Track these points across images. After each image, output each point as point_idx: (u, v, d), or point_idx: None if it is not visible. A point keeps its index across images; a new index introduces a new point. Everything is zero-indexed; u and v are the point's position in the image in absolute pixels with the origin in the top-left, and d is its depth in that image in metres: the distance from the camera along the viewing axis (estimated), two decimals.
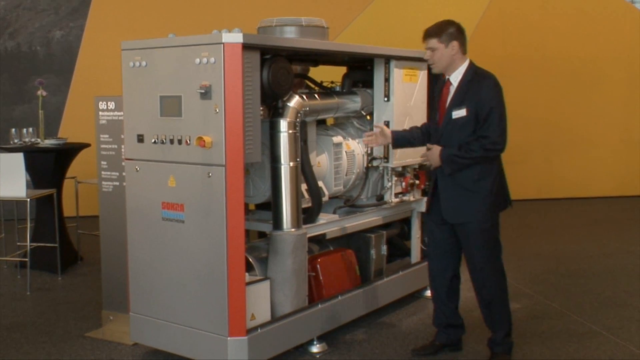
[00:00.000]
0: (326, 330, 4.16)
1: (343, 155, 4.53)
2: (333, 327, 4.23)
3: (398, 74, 4.60)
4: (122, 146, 4.15)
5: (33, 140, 5.90)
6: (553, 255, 6.51)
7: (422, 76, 4.86)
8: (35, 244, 5.78)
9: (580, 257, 6.44)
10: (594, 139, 9.71)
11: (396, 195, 4.71)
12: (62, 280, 5.66)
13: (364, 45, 4.51)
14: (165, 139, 3.68)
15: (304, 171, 4.08)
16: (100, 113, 4.35)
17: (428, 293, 5.06)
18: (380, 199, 4.72)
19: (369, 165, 4.69)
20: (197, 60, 3.48)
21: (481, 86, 3.71)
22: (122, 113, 3.97)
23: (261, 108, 3.67)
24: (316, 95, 4.30)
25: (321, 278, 4.19)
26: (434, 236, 3.98)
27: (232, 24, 3.94)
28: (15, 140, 5.87)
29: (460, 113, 3.72)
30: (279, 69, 3.77)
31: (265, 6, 8.24)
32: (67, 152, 5.95)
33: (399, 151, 4.64)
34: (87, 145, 6.07)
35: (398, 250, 5.15)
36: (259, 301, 3.78)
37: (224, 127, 3.44)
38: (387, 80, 4.59)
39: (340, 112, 4.56)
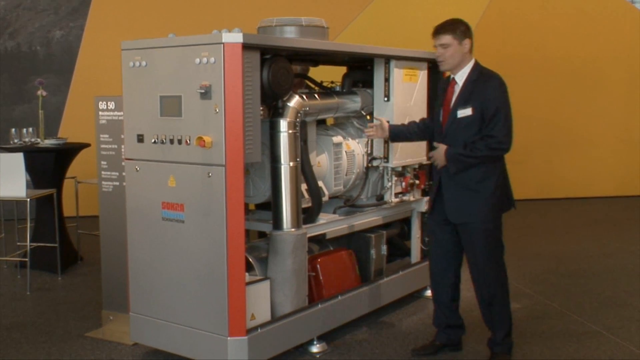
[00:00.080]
0: (326, 330, 4.16)
1: (343, 155, 4.54)
2: (333, 327, 4.23)
3: (398, 73, 4.60)
4: (122, 146, 4.15)
5: (33, 140, 5.90)
6: (553, 255, 6.51)
7: (422, 76, 4.86)
8: (35, 244, 5.78)
9: (580, 257, 6.44)
10: (594, 138, 9.71)
11: (396, 195, 4.71)
12: (62, 280, 5.66)
13: (364, 45, 4.51)
14: (165, 139, 3.68)
15: (304, 171, 4.08)
16: (100, 113, 4.35)
17: (428, 293, 5.06)
18: (380, 199, 4.72)
19: (369, 165, 4.69)
20: (197, 60, 3.48)
21: (487, 86, 3.72)
22: (122, 113, 3.97)
23: (261, 108, 3.67)
24: (316, 95, 4.30)
25: (321, 278, 4.19)
26: (436, 236, 3.98)
27: (232, 24, 3.94)
28: (15, 140, 5.87)
29: (465, 112, 3.72)
30: (279, 69, 3.77)
31: (265, 6, 8.24)
32: (67, 152, 5.95)
33: (398, 151, 4.65)
34: (87, 145, 6.07)
35: (398, 250, 5.15)
36: (259, 301, 3.78)
37: (224, 127, 3.44)
38: (387, 80, 4.59)
39: (340, 112, 4.56)
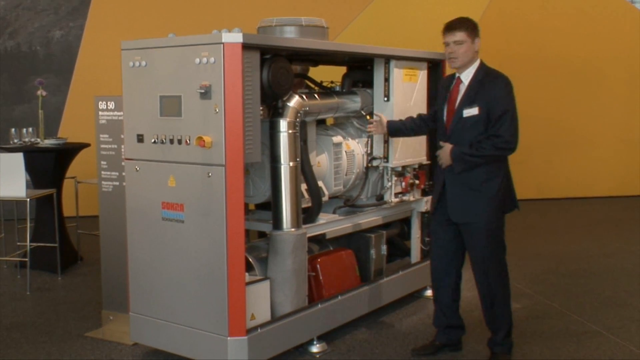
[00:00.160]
0: (326, 330, 4.16)
1: (343, 155, 4.53)
2: (333, 327, 4.23)
3: (398, 73, 4.60)
4: (122, 146, 4.15)
5: (33, 140, 5.90)
6: (553, 255, 6.51)
7: (421, 76, 4.86)
8: (35, 244, 5.78)
9: (580, 257, 6.44)
10: (594, 138, 9.70)
11: (396, 195, 4.71)
12: (62, 280, 5.66)
13: (363, 45, 4.51)
14: (165, 139, 3.68)
15: (304, 171, 4.08)
16: (100, 113, 4.35)
17: (428, 293, 5.06)
18: (380, 198, 4.72)
19: (369, 165, 4.69)
20: (197, 60, 3.48)
21: (494, 85, 3.72)
22: (122, 113, 3.97)
23: (261, 108, 3.67)
24: (316, 95, 4.30)
25: (321, 278, 4.19)
26: (438, 236, 3.97)
27: (232, 24, 3.94)
28: (15, 140, 5.87)
29: (472, 112, 3.71)
30: (278, 69, 3.77)
31: (265, 6, 8.24)
32: (67, 152, 5.95)
33: (398, 151, 4.65)
34: (87, 145, 6.07)
35: (398, 250, 5.15)
36: (259, 301, 3.77)
37: (224, 127, 3.44)
38: (387, 80, 4.59)
39: (340, 112, 4.56)
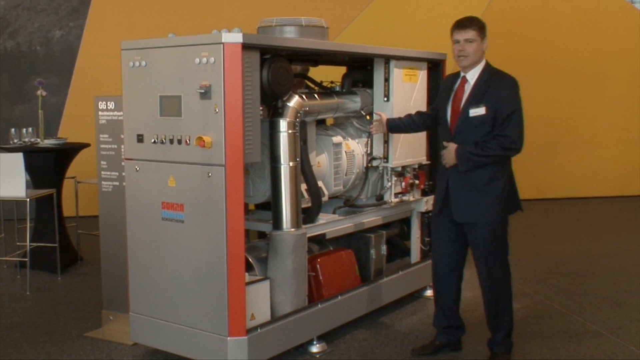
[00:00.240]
0: (326, 330, 4.16)
1: (343, 155, 4.53)
2: (333, 327, 4.23)
3: (398, 73, 4.60)
4: (122, 146, 4.15)
5: (33, 140, 5.90)
6: (553, 255, 6.51)
7: (421, 76, 4.86)
8: (35, 244, 5.78)
9: (580, 257, 6.44)
10: (594, 139, 9.70)
11: (396, 195, 4.71)
12: (62, 280, 5.66)
13: (363, 45, 4.51)
14: (165, 139, 3.68)
15: (304, 171, 4.08)
16: (100, 113, 4.35)
17: (428, 293, 5.06)
18: (380, 199, 4.72)
19: (369, 165, 4.69)
20: (197, 60, 3.48)
21: (502, 85, 3.72)
22: (121, 113, 3.97)
23: (261, 108, 3.67)
24: (316, 95, 4.30)
25: (321, 278, 4.19)
26: (441, 237, 3.95)
27: (232, 24, 3.94)
28: (15, 140, 5.87)
29: (478, 111, 3.70)
30: (278, 69, 3.77)
31: (265, 6, 8.24)
32: (67, 152, 5.95)
33: (398, 151, 4.65)
34: (86, 145, 6.07)
35: (398, 250, 5.15)
36: (259, 301, 3.77)
37: (224, 127, 3.44)
38: (386, 80, 4.59)
39: (340, 112, 4.56)
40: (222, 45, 3.40)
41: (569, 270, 5.96)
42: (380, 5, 9.03)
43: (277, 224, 3.93)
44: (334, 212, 4.51)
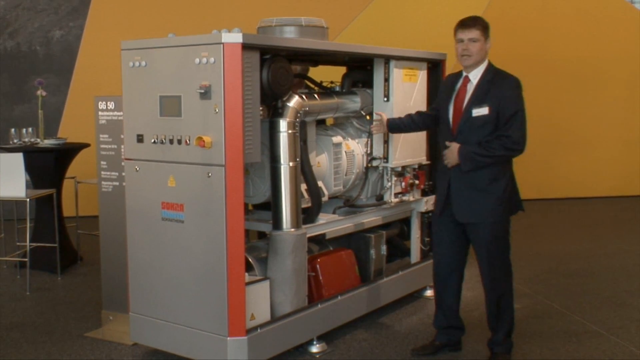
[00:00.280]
0: (326, 330, 4.16)
1: (343, 155, 4.53)
2: (333, 327, 4.23)
3: (398, 74, 4.60)
4: (122, 146, 4.15)
5: (33, 140, 5.90)
6: (553, 255, 6.51)
7: (421, 76, 4.86)
8: (34, 244, 5.78)
9: (580, 257, 6.44)
10: (594, 138, 9.70)
11: (396, 195, 4.71)
12: (62, 280, 5.66)
13: (363, 45, 4.51)
14: (165, 139, 3.68)
15: (304, 171, 4.08)
16: (100, 113, 4.34)
17: (428, 293, 5.07)
18: (379, 199, 4.71)
19: (369, 165, 4.69)
20: (197, 60, 3.48)
21: (505, 85, 3.71)
22: (121, 113, 3.97)
23: (261, 108, 3.67)
24: (316, 95, 4.30)
25: (321, 278, 4.19)
26: (443, 238, 3.94)
27: (232, 24, 3.94)
28: (15, 140, 5.87)
29: (481, 111, 3.69)
30: (278, 69, 3.77)
31: (265, 6, 8.24)
32: (67, 152, 5.95)
33: (398, 151, 4.65)
34: (86, 145, 6.07)
35: (398, 250, 5.15)
36: (259, 301, 3.77)
37: (224, 127, 3.44)
38: (386, 80, 4.59)
39: (340, 112, 4.56)
40: (222, 45, 3.40)
41: (569, 270, 5.96)
42: (380, 5, 9.03)
43: (277, 224, 3.93)
44: (334, 212, 4.51)
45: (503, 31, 9.12)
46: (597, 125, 9.69)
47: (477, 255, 3.85)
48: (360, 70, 4.89)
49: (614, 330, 4.46)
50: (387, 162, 4.64)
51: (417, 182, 4.83)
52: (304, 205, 4.12)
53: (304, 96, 4.10)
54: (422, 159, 4.91)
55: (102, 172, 4.36)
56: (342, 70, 5.01)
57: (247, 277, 3.71)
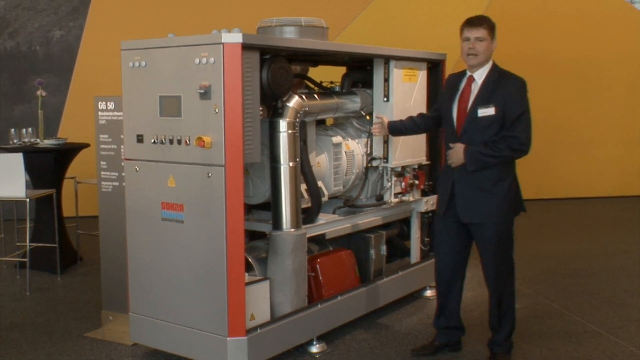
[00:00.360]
0: (326, 330, 4.16)
1: (342, 156, 4.53)
2: (333, 327, 4.23)
3: (397, 74, 4.60)
4: (122, 146, 4.15)
5: (32, 140, 5.90)
6: (553, 255, 6.51)
7: (421, 76, 4.86)
8: (34, 244, 5.78)
9: (580, 257, 6.44)
10: (594, 139, 9.70)
11: (396, 195, 4.71)
12: (62, 280, 5.66)
13: (363, 45, 4.51)
14: (164, 139, 3.68)
15: (304, 171, 4.08)
16: (100, 113, 4.34)
17: (428, 293, 5.07)
18: (379, 199, 4.71)
19: (369, 165, 4.69)
20: (197, 61, 3.48)
21: (511, 86, 3.70)
22: (121, 113, 3.97)
23: (261, 108, 3.67)
24: (316, 96, 4.30)
25: (321, 278, 4.19)
26: (446, 238, 3.92)
27: (232, 24, 3.94)
28: (15, 140, 5.87)
29: (487, 112, 3.67)
30: (278, 69, 3.77)
31: (265, 6, 8.24)
32: (67, 152, 5.95)
33: (398, 151, 4.65)
34: (86, 146, 6.07)
35: (398, 250, 5.14)
36: (259, 301, 3.77)
37: (224, 127, 3.44)
38: (386, 80, 4.59)
39: (340, 112, 4.56)
40: (222, 45, 3.40)
41: (569, 270, 5.96)
42: (380, 5, 9.03)
43: (276, 224, 3.93)
44: (333, 212, 4.51)
45: (503, 31, 9.05)
46: (597, 125, 9.69)
47: (481, 255, 3.85)
48: (360, 70, 4.89)
49: (614, 330, 4.46)
50: (387, 162, 4.64)
51: (417, 182, 4.83)
52: (303, 206, 4.12)
53: (303, 96, 4.10)
54: (422, 159, 4.91)
55: (102, 172, 4.36)
56: (342, 70, 5.01)
57: (247, 277, 3.71)
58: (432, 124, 4.21)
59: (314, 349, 4.07)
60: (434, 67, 5.04)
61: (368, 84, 4.72)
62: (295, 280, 3.90)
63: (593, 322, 4.61)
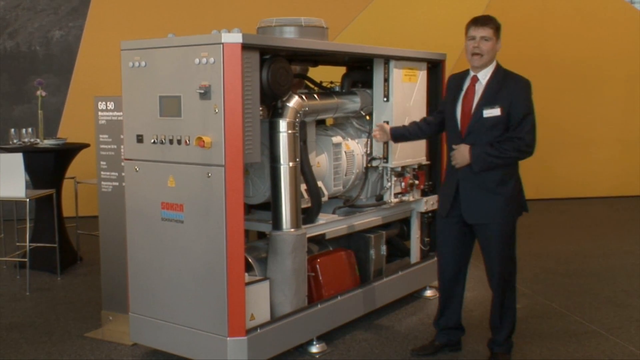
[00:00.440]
0: (326, 330, 4.16)
1: (342, 156, 4.53)
2: (333, 327, 4.23)
3: (397, 74, 4.60)
4: (122, 146, 4.15)
5: (32, 140, 5.90)
6: (553, 255, 6.51)
7: (421, 76, 4.86)
8: (34, 244, 5.77)
9: (580, 257, 6.44)
10: (593, 139, 9.70)
11: (395, 195, 4.71)
12: (62, 280, 5.66)
13: (363, 45, 4.51)
14: (164, 139, 3.68)
15: (304, 171, 4.08)
16: (100, 113, 4.34)
17: (427, 293, 5.07)
18: (379, 199, 4.71)
19: (369, 165, 4.68)
20: (197, 61, 3.48)
21: (516, 86, 3.69)
22: (121, 113, 3.97)
23: (260, 108, 3.67)
24: (315, 96, 4.30)
25: (321, 278, 4.19)
26: (449, 240, 3.91)
27: (232, 24, 3.94)
28: (15, 141, 5.87)
29: (493, 112, 3.66)
30: (278, 69, 3.77)
31: (265, 6, 8.24)
32: (67, 152, 5.94)
33: (398, 151, 4.64)
34: (86, 146, 6.07)
35: (398, 250, 5.14)
36: (259, 301, 3.77)
37: (224, 128, 3.44)
38: (386, 80, 4.59)
39: (340, 112, 4.56)
40: (221, 45, 3.40)
41: (568, 270, 5.96)
42: (380, 5, 9.03)
43: (276, 224, 3.93)
44: (333, 212, 4.51)
45: (503, 31, 9.12)
46: (597, 126, 9.68)
47: (485, 255, 3.84)
48: (360, 70, 4.89)
49: (614, 330, 4.46)
50: (386, 162, 4.64)
51: (416, 182, 4.83)
52: (303, 206, 4.12)
53: (303, 96, 4.10)
54: (422, 159, 4.91)
55: (102, 172, 4.36)
56: (342, 70, 5.01)
57: (247, 277, 3.71)
58: (438, 129, 4.13)
59: (314, 349, 4.07)
60: (434, 67, 5.04)
61: (368, 84, 4.72)
62: (295, 280, 3.90)
63: (593, 322, 4.61)
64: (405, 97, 4.70)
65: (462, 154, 3.71)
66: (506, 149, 3.64)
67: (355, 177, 4.68)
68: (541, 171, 9.54)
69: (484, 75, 3.75)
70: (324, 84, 4.72)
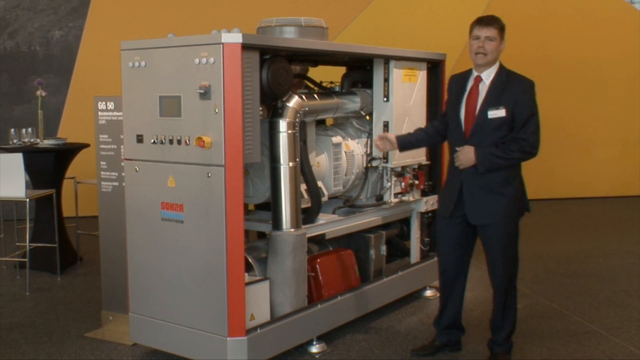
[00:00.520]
0: (326, 330, 4.16)
1: (342, 156, 4.53)
2: (333, 327, 4.23)
3: (397, 74, 4.60)
4: (122, 146, 4.15)
5: (32, 140, 5.90)
6: (553, 255, 6.51)
7: (421, 76, 4.86)
8: (34, 244, 5.78)
9: (580, 257, 6.44)
10: (594, 139, 9.70)
11: (395, 195, 4.71)
12: (62, 280, 5.66)
13: (363, 45, 4.51)
14: (164, 139, 3.68)
15: (304, 171, 4.08)
16: (100, 113, 4.34)
17: (427, 293, 5.07)
18: (379, 199, 4.71)
19: (369, 165, 4.68)
20: (197, 61, 3.48)
21: (521, 87, 3.68)
22: (121, 113, 3.97)
23: (260, 108, 3.67)
24: (315, 96, 4.30)
25: (321, 278, 4.19)
26: (450, 240, 3.90)
27: (231, 24, 3.94)
28: (15, 141, 5.87)
29: (498, 113, 3.64)
30: (278, 69, 3.77)
31: (265, 6, 8.24)
32: (67, 152, 5.94)
33: (397, 151, 4.64)
34: (86, 146, 6.07)
35: (398, 250, 5.15)
36: (259, 301, 3.77)
37: (224, 128, 3.44)
38: (386, 80, 4.59)
39: (340, 112, 4.55)
40: (221, 45, 3.40)
41: (568, 270, 5.96)
42: (380, 5, 9.03)
43: (276, 224, 3.93)
44: (333, 212, 4.51)
45: None
46: (597, 126, 9.68)
47: (488, 256, 3.83)
48: (360, 70, 4.89)
49: (614, 330, 4.46)
50: (386, 162, 4.64)
51: (416, 182, 4.83)
52: (303, 206, 4.12)
53: (303, 96, 4.10)
54: (422, 159, 4.91)
55: (102, 173, 4.36)
56: (342, 70, 5.01)
57: (247, 277, 3.71)
58: (444, 135, 4.03)
59: (314, 349, 4.07)
60: (434, 67, 5.04)
61: (368, 84, 4.72)
62: (295, 280, 3.90)
63: (593, 322, 4.61)
64: (405, 97, 4.70)
65: (466, 155, 3.69)
66: (511, 150, 3.64)
67: (355, 177, 4.68)
68: (541, 171, 9.52)
69: (488, 76, 3.74)
70: (324, 84, 4.72)
